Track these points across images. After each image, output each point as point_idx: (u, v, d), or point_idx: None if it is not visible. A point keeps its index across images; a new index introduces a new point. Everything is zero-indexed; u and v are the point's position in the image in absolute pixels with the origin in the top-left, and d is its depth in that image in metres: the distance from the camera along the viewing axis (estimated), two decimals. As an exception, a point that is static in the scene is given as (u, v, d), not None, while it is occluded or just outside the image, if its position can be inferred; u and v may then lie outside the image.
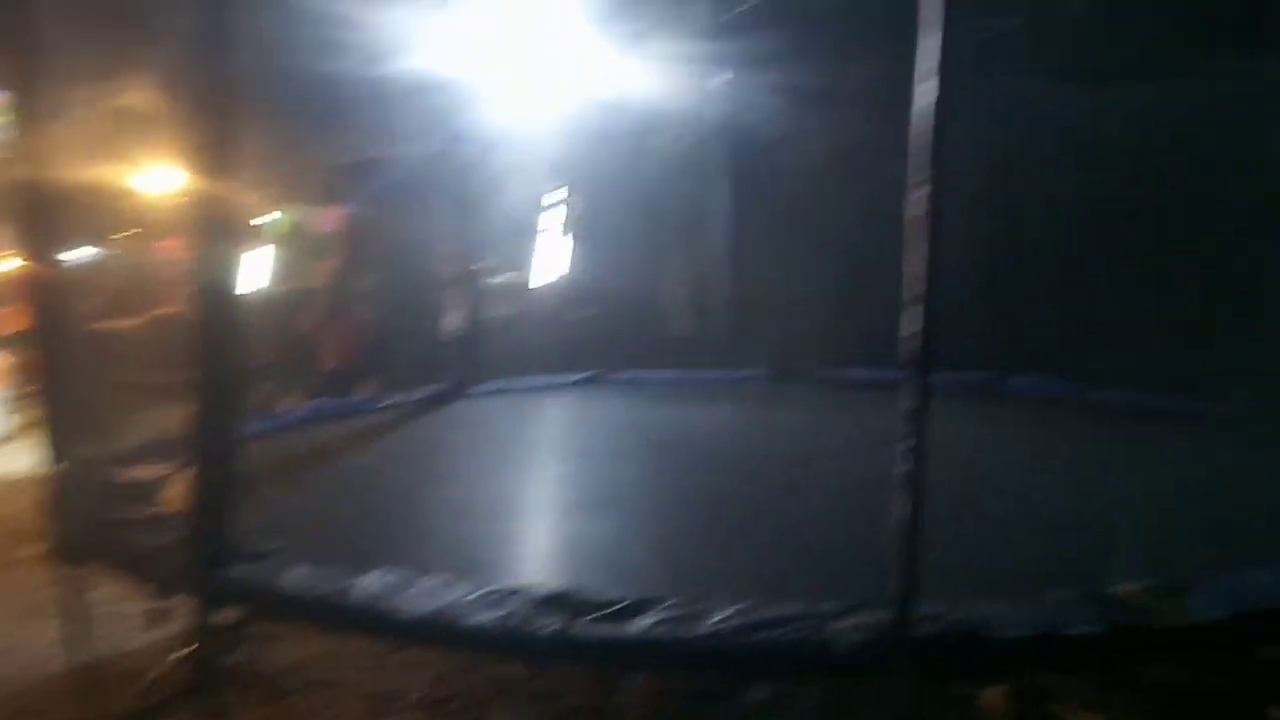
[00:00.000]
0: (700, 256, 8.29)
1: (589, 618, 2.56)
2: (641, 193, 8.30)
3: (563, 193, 9.39)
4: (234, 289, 2.93)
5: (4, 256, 20.28)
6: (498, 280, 8.76)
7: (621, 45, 7.72)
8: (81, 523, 3.82)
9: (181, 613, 3.95)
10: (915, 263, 2.21)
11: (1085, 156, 6.31)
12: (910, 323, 2.23)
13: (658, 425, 5.64)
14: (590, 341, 8.38)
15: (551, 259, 9.46)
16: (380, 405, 5.93)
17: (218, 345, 2.82)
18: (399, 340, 10.56)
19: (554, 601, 2.61)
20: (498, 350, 7.78)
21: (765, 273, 7.85)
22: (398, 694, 2.55)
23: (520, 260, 9.51)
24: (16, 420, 11.96)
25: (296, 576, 2.79)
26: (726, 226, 8.05)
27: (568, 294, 9.28)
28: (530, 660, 2.76)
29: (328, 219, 18.69)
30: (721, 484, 4.18)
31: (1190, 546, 2.95)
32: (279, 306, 11.26)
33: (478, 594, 2.67)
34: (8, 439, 11.61)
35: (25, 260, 4.14)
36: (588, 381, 7.07)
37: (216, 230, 3.08)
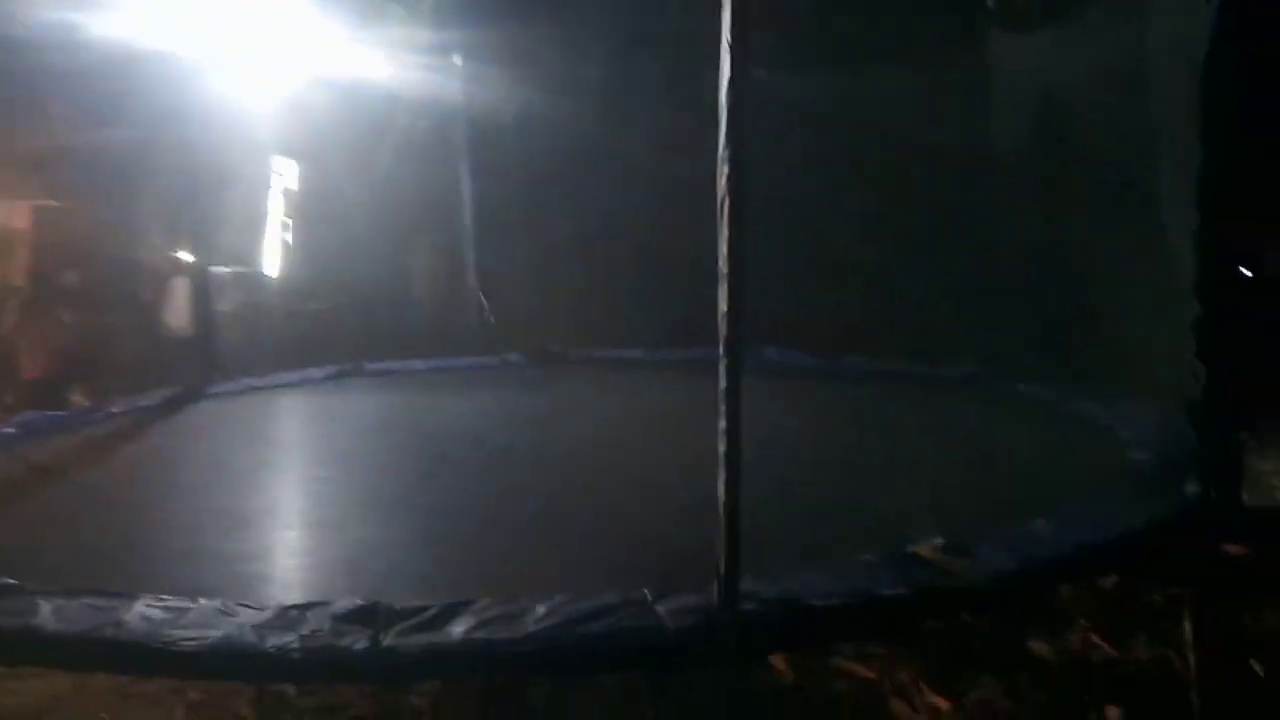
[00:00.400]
0: (444, 242, 8.09)
1: (396, 629, 2.41)
2: (377, 177, 8.01)
3: (291, 178, 8.92)
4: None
5: None
6: (224, 271, 8.21)
7: (351, 24, 7.42)
8: None
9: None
10: (726, 242, 2.22)
11: (821, 140, 6.68)
12: (722, 302, 2.25)
13: (425, 418, 5.44)
14: (333, 333, 8.01)
15: (281, 247, 8.97)
16: (105, 414, 5.35)
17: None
18: (113, 342, 9.71)
19: (357, 616, 2.44)
20: (233, 347, 7.28)
21: (513, 257, 7.79)
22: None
23: (248, 249, 8.94)
24: None
25: (46, 613, 2.45)
26: (469, 210, 7.90)
27: (302, 284, 8.83)
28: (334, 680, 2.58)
29: (14, 213, 16.97)
30: (507, 474, 4.09)
31: (963, 502, 3.16)
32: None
33: (269, 614, 2.46)
34: None
35: None
36: (339, 375, 6.72)
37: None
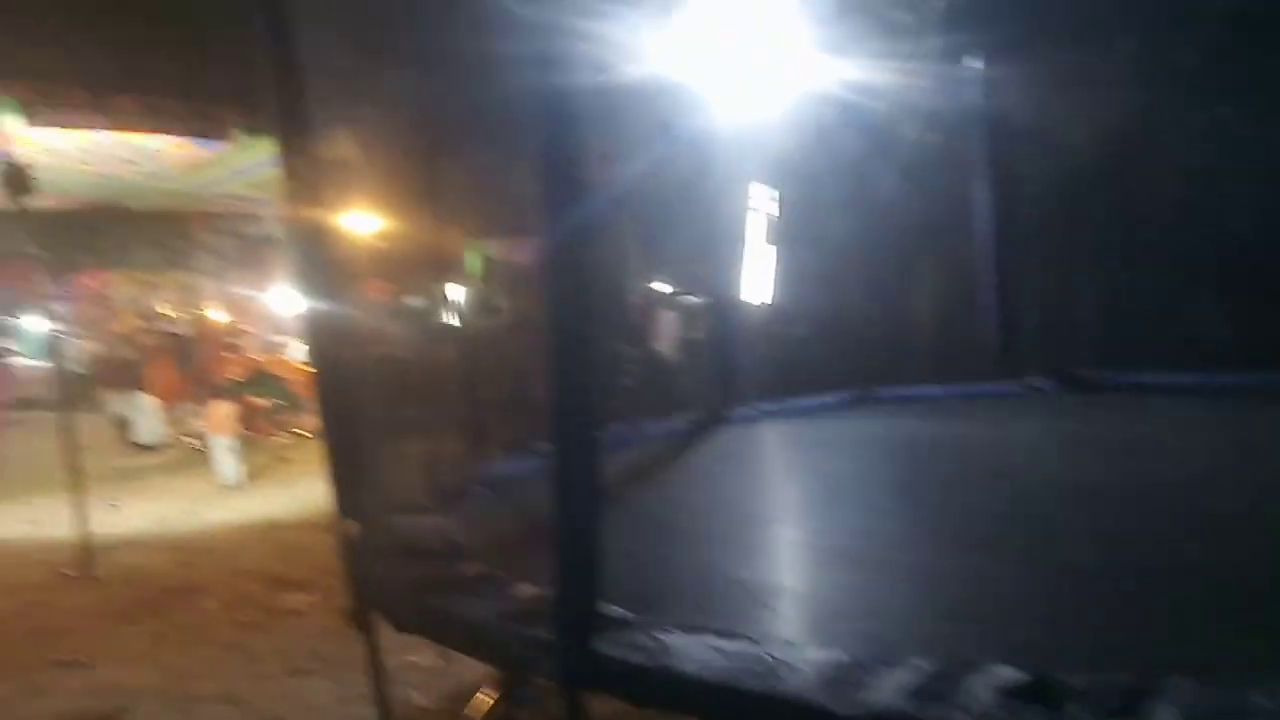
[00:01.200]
0: (955, 260, 7.59)
1: (1078, 710, 1.94)
2: (877, 194, 7.68)
3: (775, 200, 8.85)
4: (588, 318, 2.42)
5: (214, 305, 20.92)
6: (713, 298, 8.26)
7: (848, 36, 7.17)
8: (373, 581, 3.45)
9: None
10: None
11: None
12: None
13: (967, 449, 4.97)
14: (829, 357, 7.80)
15: (767, 272, 8.90)
16: (642, 436, 5.42)
17: (575, 379, 2.33)
18: (618, 368, 10.20)
19: (1027, 690, 2.01)
20: (740, 373, 7.26)
21: (1036, 274, 7.13)
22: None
23: (734, 275, 8.98)
24: (243, 467, 12.21)
25: (689, 652, 2.26)
26: (987, 225, 7.30)
27: (793, 308, 8.72)
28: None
29: (523, 249, 18.72)
30: (1088, 519, 3.51)
31: None
32: (491, 343, 11.10)
33: (917, 676, 2.09)
34: (238, 486, 11.85)
35: (298, 305, 3.95)
36: (854, 401, 6.43)
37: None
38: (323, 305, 3.58)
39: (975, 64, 7.20)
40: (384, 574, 3.30)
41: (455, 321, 10.97)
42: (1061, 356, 7.01)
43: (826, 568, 3.16)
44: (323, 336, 3.71)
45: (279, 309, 20.51)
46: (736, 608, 2.88)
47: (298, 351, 18.38)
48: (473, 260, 16.70)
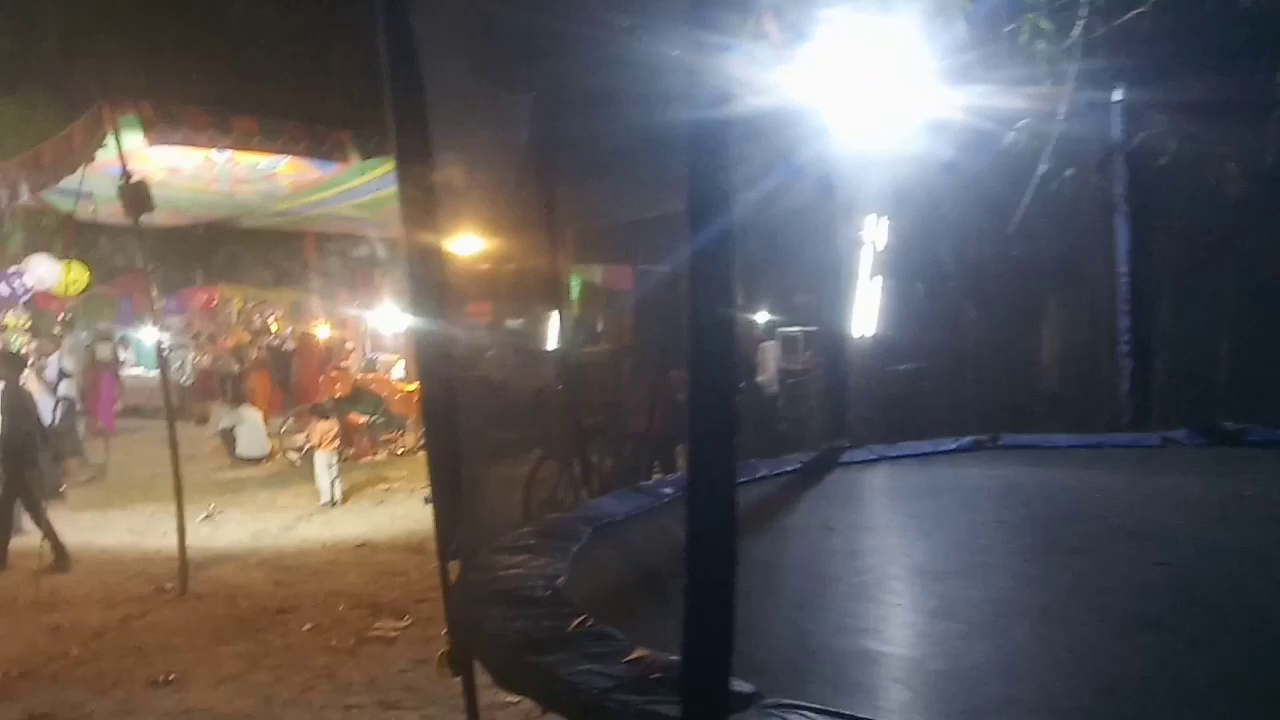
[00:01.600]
0: (1086, 300, 7.17)
1: None
2: (1003, 229, 7.30)
3: (887, 232, 8.53)
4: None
5: (320, 322, 21.26)
6: (823, 330, 7.97)
7: (982, 67, 6.84)
8: (474, 628, 3.26)
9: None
10: None
11: None
12: None
13: (1115, 505, 4.58)
14: (948, 400, 7.45)
15: (878, 306, 8.57)
16: (756, 475, 5.16)
17: (718, 427, 2.10)
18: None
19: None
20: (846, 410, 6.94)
21: (1174, 318, 6.69)
22: None
23: (844, 308, 8.67)
24: (341, 484, 12.24)
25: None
26: (1123, 265, 6.87)
27: (907, 345, 8.38)
28: None
29: (619, 276, 18.61)
30: (1256, 590, 3.15)
31: None
32: (587, 369, 10.94)
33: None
34: (335, 503, 11.88)
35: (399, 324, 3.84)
36: (975, 448, 6.06)
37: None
38: (433, 329, 3.45)
39: (1115, 93, 6.80)
40: (486, 622, 3.09)
41: (556, 347, 10.87)
42: (1198, 407, 6.55)
43: (968, 640, 2.85)
44: (432, 360, 3.57)
45: (381, 328, 20.78)
46: (871, 684, 2.61)
47: (398, 370, 18.56)
48: (573, 286, 16.67)
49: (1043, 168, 7.11)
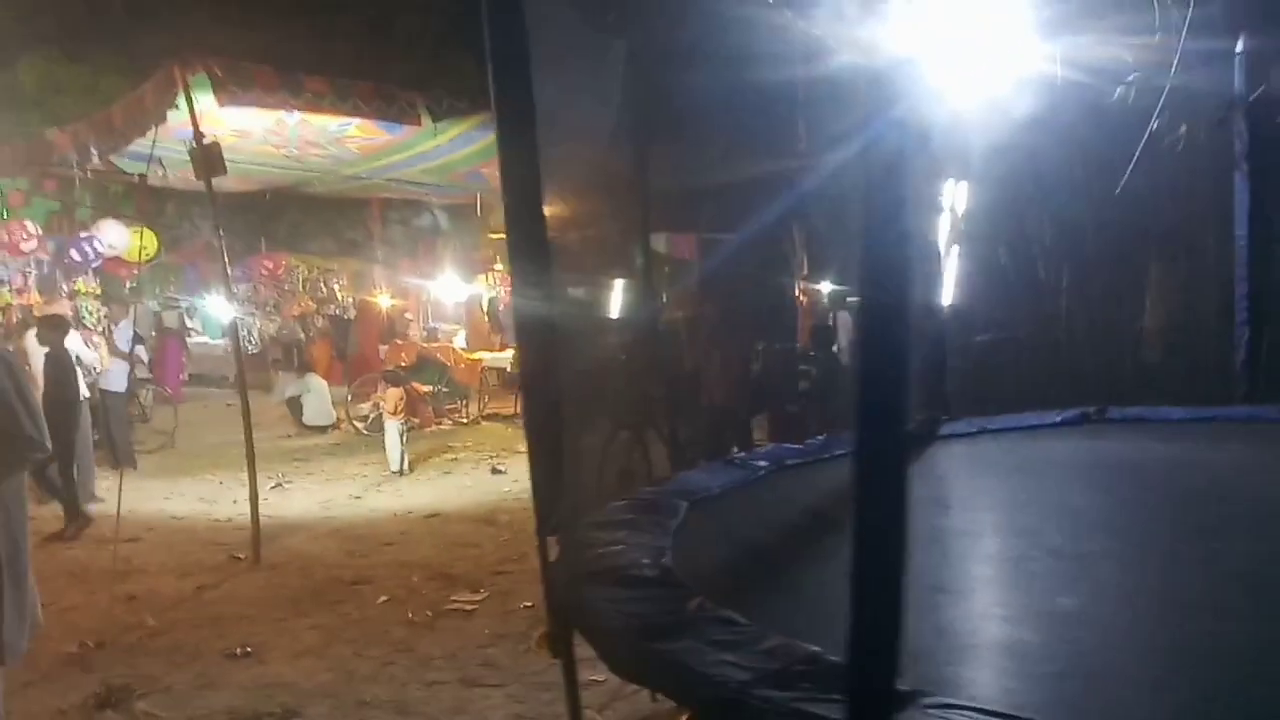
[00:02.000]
0: (1199, 266, 6.76)
1: None
2: (1110, 191, 6.89)
3: (967, 196, 8.14)
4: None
5: (385, 291, 21.22)
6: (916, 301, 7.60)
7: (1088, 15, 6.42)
8: (578, 610, 3.03)
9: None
10: None
11: None
12: None
13: (1241, 484, 4.23)
14: (1048, 372, 7.10)
15: (971, 275, 8.18)
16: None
17: (889, 402, 1.84)
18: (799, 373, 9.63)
19: None
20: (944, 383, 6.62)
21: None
22: None
23: (933, 277, 8.31)
24: (408, 454, 12.15)
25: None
26: (1242, 228, 6.42)
27: (1001, 316, 8.01)
28: None
29: (682, 245, 18.29)
30: None
31: None
32: (660, 339, 10.68)
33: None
34: (402, 472, 11.79)
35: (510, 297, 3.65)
36: (1084, 421, 5.72)
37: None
38: (536, 299, 3.22)
39: (1236, 43, 6.34)
40: (592, 603, 2.86)
41: (627, 315, 10.63)
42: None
43: (1131, 635, 2.58)
44: (533, 330, 3.34)
45: (442, 297, 20.70)
46: (1031, 682, 2.34)
47: (459, 340, 18.45)
48: (640, 254, 16.38)
49: (1154, 124, 6.71)
